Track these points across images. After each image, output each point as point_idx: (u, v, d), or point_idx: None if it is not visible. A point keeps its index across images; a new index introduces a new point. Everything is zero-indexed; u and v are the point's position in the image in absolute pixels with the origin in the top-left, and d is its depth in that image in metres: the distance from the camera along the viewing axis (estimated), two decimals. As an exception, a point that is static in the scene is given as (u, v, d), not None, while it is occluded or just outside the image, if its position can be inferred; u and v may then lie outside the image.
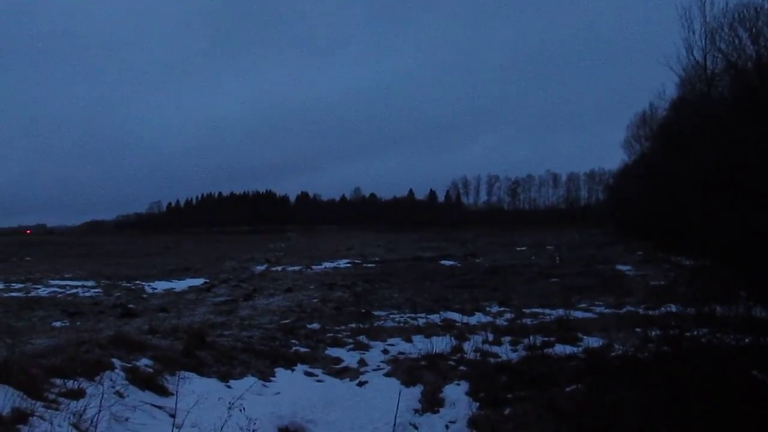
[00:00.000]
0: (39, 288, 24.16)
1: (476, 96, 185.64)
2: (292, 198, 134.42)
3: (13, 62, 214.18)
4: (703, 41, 25.86)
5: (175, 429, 5.66)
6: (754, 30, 21.69)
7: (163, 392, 7.19)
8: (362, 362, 10.51)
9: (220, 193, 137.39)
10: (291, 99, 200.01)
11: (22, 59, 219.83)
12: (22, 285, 25.16)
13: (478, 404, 7.56)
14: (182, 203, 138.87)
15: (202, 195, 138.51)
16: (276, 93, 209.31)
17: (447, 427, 7.12)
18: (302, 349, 11.32)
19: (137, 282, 26.20)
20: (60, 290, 23.46)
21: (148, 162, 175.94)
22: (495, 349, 10.80)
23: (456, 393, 8.17)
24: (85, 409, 5.64)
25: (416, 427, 7.10)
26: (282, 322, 14.84)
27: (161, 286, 24.89)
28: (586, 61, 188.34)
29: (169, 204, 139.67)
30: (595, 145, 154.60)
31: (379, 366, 10.16)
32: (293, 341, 12.09)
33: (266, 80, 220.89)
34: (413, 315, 15.83)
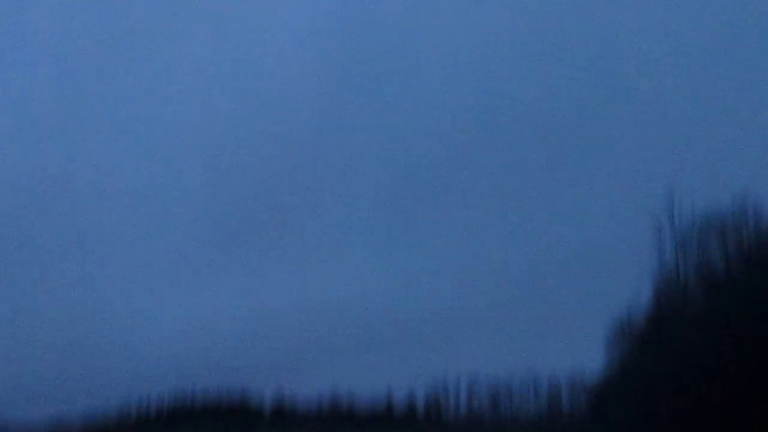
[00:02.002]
0: None
1: (464, 300, 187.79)
2: (268, 403, 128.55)
3: None
4: (675, 252, 26.41)
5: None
6: (723, 241, 23.92)
7: None
8: None
9: (192, 400, 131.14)
10: (284, 301, 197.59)
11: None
12: None
13: None
14: (153, 404, 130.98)
15: (174, 400, 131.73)
16: (269, 295, 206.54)
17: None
18: None
19: None
20: None
21: (125, 357, 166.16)
22: None
23: None
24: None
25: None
26: None
27: None
28: (573, 268, 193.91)
29: (139, 406, 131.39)
30: (576, 341, 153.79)
31: None
32: None
33: (262, 282, 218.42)
34: None
